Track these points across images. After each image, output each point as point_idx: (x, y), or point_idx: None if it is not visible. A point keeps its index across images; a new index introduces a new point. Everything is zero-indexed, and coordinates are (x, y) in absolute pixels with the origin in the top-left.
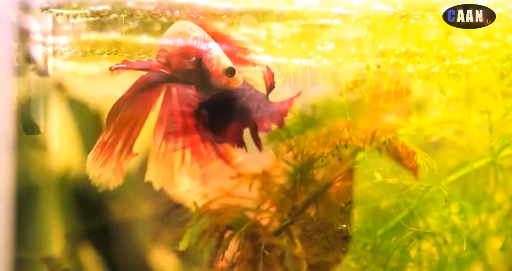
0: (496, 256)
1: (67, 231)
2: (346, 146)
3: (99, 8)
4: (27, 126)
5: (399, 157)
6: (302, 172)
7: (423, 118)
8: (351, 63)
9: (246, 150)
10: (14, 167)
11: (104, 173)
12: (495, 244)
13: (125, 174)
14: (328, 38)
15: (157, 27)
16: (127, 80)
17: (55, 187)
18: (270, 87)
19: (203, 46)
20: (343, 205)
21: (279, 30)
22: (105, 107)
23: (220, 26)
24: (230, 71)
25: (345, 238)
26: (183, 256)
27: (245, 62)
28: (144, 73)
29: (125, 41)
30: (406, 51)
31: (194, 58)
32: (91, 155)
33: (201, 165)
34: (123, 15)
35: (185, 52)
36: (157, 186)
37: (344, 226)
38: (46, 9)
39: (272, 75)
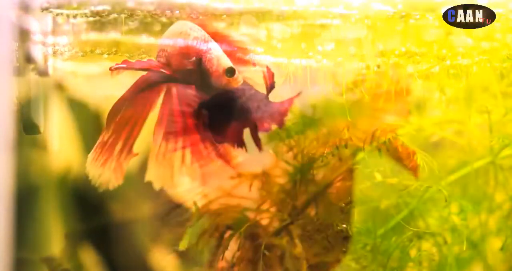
0: (496, 256)
1: (67, 231)
2: (346, 146)
3: (99, 8)
4: (27, 126)
5: (399, 157)
6: (302, 172)
7: (423, 118)
8: (351, 63)
9: (246, 150)
10: (14, 167)
11: (104, 173)
12: (495, 244)
13: (125, 174)
14: (328, 38)
15: (157, 27)
16: (127, 80)
17: (55, 187)
18: (270, 87)
19: (203, 46)
20: (343, 205)
21: (279, 30)
22: (105, 107)
23: (220, 26)
24: (230, 71)
25: (345, 238)
26: (183, 256)
27: (245, 62)
28: (144, 73)
29: (125, 41)
30: (406, 51)
31: (194, 58)
32: (91, 155)
33: (201, 165)
34: (123, 15)
35: (185, 52)
36: (157, 186)
37: (344, 226)
38: (46, 9)
39: (272, 75)
